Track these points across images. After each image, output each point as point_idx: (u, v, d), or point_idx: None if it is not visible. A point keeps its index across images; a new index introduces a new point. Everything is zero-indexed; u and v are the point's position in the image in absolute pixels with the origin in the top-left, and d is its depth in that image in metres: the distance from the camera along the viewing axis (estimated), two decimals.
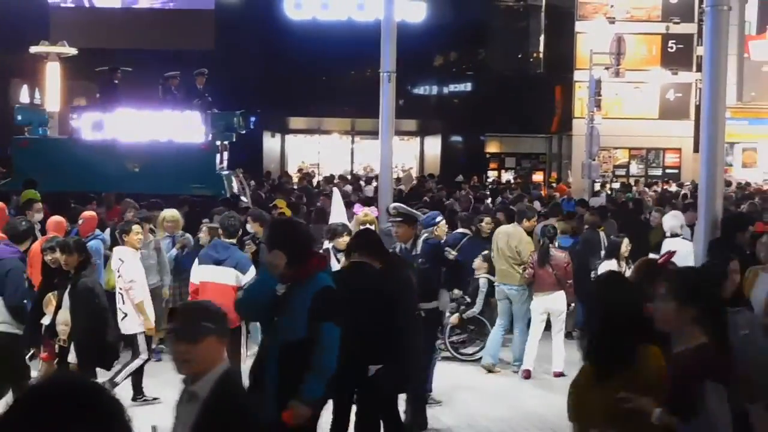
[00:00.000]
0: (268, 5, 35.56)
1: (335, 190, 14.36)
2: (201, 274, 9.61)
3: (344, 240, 9.90)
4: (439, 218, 10.92)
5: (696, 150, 28.58)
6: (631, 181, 34.46)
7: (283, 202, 16.05)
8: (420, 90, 38.62)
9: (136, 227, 10.12)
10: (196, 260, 9.91)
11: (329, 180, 26.86)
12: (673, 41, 35.27)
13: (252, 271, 9.60)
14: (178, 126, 17.04)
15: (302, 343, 5.89)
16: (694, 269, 6.62)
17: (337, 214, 12.12)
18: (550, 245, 11.68)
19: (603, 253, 12.53)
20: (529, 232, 12.39)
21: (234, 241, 10.09)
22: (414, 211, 10.20)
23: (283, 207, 15.26)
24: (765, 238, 8.48)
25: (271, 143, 38.28)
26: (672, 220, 12.30)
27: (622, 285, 5.29)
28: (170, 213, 12.32)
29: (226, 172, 17.59)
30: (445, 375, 10.69)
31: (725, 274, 7.06)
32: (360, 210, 12.51)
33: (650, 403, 4.41)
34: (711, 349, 4.46)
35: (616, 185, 32.91)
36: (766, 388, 5.89)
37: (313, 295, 5.96)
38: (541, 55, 39.38)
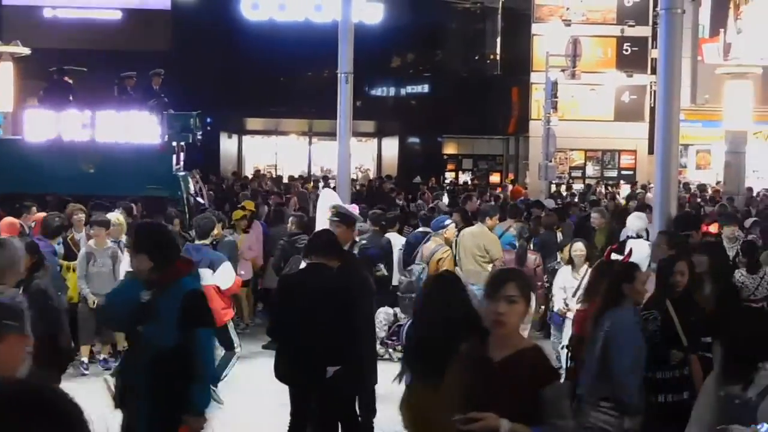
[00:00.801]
0: (224, 6, 35.38)
1: (326, 190, 13.62)
2: None
3: None
4: (448, 221, 10.94)
5: (651, 152, 28.90)
6: (591, 182, 34.77)
7: (251, 203, 15.94)
8: (377, 91, 38.67)
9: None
10: None
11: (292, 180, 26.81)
12: (628, 44, 35.59)
13: (224, 269, 9.63)
14: (133, 127, 16.87)
15: (174, 351, 5.62)
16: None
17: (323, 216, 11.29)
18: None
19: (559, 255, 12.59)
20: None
21: (207, 241, 10.05)
22: (353, 213, 9.86)
23: (250, 208, 15.13)
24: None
25: (228, 144, 38.11)
26: (637, 221, 12.32)
27: (447, 289, 5.08)
28: (114, 216, 11.73)
29: (182, 173, 17.46)
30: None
31: (669, 274, 7.20)
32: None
33: (495, 417, 4.00)
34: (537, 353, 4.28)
35: (579, 186, 33.13)
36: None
37: (182, 301, 5.68)
38: (497, 57, 39.58)
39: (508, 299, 4.12)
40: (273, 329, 7.69)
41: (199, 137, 17.81)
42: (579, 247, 10.67)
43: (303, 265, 8.05)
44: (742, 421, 4.37)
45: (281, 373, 7.35)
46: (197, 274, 6.31)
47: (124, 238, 11.14)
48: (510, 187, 30.57)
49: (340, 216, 9.19)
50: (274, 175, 33.54)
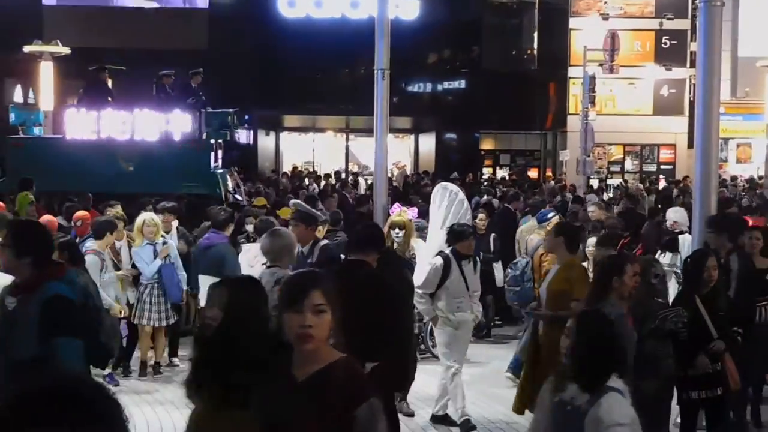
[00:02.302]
0: (261, 3, 35.55)
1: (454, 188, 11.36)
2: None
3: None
4: (551, 214, 11.24)
5: (690, 146, 28.65)
6: (629, 177, 34.52)
7: (263, 200, 15.98)
8: (414, 87, 38.63)
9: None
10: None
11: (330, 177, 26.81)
12: (667, 37, 35.31)
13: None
14: (172, 125, 17.00)
15: (34, 362, 4.95)
16: None
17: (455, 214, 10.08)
18: None
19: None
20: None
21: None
22: (315, 211, 9.46)
23: (262, 205, 15.11)
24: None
25: (265, 141, 38.27)
26: (674, 214, 12.06)
27: (255, 294, 4.32)
28: (149, 216, 10.87)
29: (220, 171, 17.58)
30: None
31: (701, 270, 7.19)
32: (395, 210, 11.08)
33: None
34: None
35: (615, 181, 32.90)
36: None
37: (41, 307, 5.07)
38: (535, 52, 39.39)
39: (315, 309, 3.56)
40: None
41: (237, 134, 17.91)
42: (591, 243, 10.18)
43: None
44: (570, 429, 4.31)
45: None
46: (71, 278, 5.60)
47: (160, 240, 10.68)
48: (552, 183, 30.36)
49: (300, 215, 8.84)
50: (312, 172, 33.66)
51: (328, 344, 3.66)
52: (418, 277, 9.02)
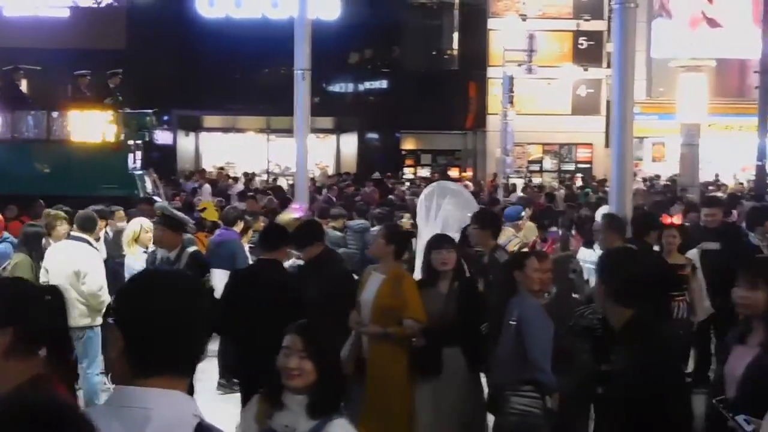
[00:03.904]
0: (180, 3, 35.17)
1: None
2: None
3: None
4: (523, 212, 11.13)
5: (607, 145, 29.12)
6: (548, 176, 34.97)
7: (209, 204, 15.85)
8: (336, 88, 38.61)
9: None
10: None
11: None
12: (584, 38, 35.88)
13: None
14: (89, 126, 16.72)
15: None
16: None
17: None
18: None
19: None
20: None
21: None
22: (183, 216, 9.16)
23: (210, 209, 14.99)
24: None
25: (185, 142, 37.86)
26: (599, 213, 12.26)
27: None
28: (145, 222, 10.13)
29: (139, 172, 17.34)
30: None
31: None
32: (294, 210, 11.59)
33: None
34: None
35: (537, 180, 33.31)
36: None
37: None
38: (455, 53, 39.68)
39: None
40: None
41: (156, 136, 17.71)
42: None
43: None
44: None
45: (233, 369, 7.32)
46: None
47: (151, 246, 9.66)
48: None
49: (165, 219, 8.55)
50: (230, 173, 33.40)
51: None
52: None
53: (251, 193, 19.07)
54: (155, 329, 2.41)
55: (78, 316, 8.70)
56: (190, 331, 2.47)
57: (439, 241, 7.36)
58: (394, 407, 6.97)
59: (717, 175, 32.49)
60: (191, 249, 8.64)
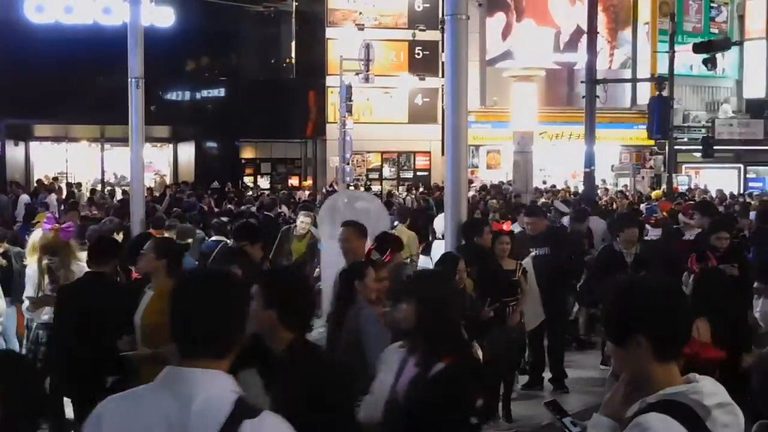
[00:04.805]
0: (6, 8, 33.78)
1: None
2: None
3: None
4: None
5: (444, 153, 29.68)
6: (388, 183, 35.32)
7: (43, 216, 15.22)
8: (172, 96, 37.97)
9: None
10: None
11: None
12: (420, 48, 36.47)
13: None
14: None
15: None
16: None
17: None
18: None
19: None
20: None
21: None
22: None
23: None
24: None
25: (14, 152, 36.41)
26: (441, 222, 12.45)
27: None
28: None
29: None
30: None
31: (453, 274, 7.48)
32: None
33: None
34: None
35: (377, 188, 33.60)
36: None
37: None
38: (293, 61, 39.64)
39: None
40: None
41: None
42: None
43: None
44: None
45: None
46: None
47: None
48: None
49: None
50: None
51: None
52: None
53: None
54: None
55: None
56: (226, 320, 2.95)
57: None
58: None
59: (544, 182, 33.71)
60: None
